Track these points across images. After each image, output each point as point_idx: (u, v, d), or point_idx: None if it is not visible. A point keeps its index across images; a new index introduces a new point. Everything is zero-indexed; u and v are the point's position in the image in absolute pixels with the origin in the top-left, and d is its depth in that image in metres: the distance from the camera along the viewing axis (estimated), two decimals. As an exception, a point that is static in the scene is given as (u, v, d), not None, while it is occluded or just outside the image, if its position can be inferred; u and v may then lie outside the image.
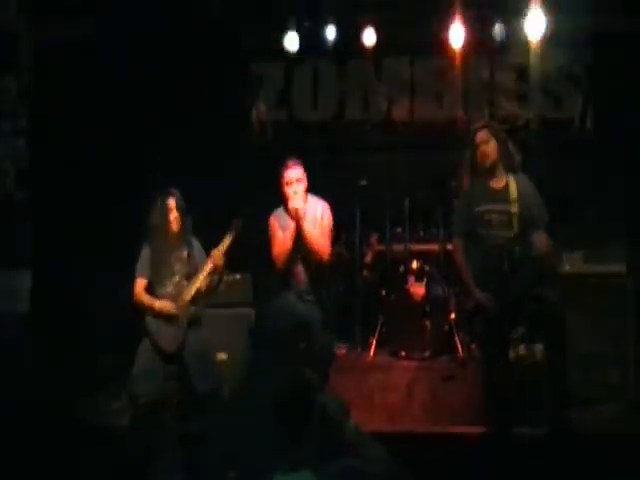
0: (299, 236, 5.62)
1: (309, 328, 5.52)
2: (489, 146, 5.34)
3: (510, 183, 5.36)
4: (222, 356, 6.25)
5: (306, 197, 5.71)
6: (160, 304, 5.51)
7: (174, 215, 5.60)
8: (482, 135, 5.37)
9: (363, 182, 6.95)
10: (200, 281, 5.54)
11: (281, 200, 5.73)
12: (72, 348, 6.37)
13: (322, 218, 5.73)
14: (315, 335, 5.54)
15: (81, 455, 4.68)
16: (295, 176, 5.65)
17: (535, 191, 5.37)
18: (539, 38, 7.13)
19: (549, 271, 5.78)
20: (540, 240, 5.17)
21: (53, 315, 6.50)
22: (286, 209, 5.71)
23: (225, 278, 6.06)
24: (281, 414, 2.98)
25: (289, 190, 5.64)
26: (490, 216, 5.29)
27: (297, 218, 5.60)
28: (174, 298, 5.52)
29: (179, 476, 4.04)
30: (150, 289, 5.60)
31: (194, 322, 5.55)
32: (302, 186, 5.66)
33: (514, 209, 5.28)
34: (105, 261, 6.69)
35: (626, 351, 6.30)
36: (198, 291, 5.54)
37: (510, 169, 5.43)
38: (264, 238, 5.77)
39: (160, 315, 5.49)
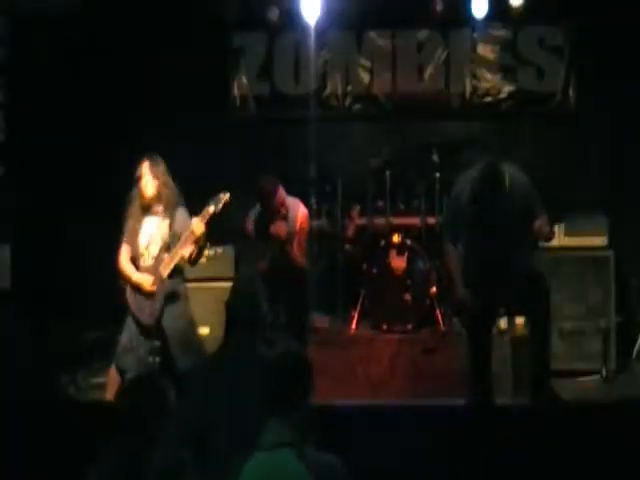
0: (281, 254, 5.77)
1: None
2: None
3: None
4: (204, 330, 6.20)
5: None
6: (137, 279, 5.38)
7: (146, 180, 5.37)
8: None
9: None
10: (178, 254, 5.35)
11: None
12: (54, 324, 6.34)
13: (300, 228, 5.84)
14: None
15: (61, 430, 4.67)
16: (277, 200, 5.76)
17: (528, 181, 5.25)
18: (521, 10, 7.12)
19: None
20: (542, 226, 5.15)
21: (34, 290, 6.46)
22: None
23: (207, 252, 5.95)
24: (274, 390, 2.95)
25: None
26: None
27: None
28: (153, 271, 5.37)
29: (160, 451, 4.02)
30: (132, 260, 5.47)
31: (171, 296, 5.41)
32: (281, 199, 5.78)
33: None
34: (87, 234, 6.66)
35: (607, 322, 6.36)
36: (177, 264, 5.40)
37: None
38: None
39: (137, 288, 5.42)
